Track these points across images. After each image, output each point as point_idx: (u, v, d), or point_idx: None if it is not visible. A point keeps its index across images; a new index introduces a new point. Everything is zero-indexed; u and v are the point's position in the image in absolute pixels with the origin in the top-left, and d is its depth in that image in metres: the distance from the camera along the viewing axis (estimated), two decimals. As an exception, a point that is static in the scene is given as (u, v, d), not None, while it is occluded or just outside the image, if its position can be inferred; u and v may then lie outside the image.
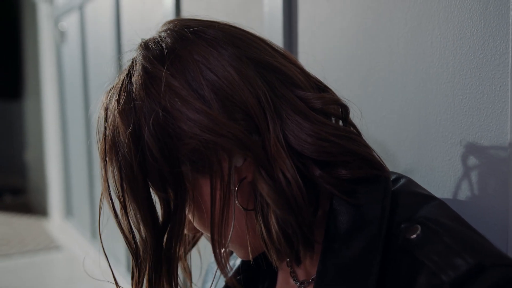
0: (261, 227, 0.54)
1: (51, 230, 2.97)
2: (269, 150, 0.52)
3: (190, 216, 0.58)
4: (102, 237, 0.62)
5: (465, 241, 0.48)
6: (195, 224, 0.59)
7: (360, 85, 0.78)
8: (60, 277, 2.45)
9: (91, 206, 2.34)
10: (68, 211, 2.84)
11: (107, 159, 0.54)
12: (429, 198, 0.55)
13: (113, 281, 0.60)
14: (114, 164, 0.54)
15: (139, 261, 0.56)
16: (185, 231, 0.64)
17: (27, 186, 4.06)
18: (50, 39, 2.88)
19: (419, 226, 0.50)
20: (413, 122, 0.69)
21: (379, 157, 0.57)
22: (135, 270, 0.56)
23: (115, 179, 0.54)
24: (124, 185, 0.53)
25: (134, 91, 0.53)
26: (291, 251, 0.54)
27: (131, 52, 0.57)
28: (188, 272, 0.72)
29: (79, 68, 2.37)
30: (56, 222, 2.97)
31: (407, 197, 0.55)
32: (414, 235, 0.49)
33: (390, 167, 0.68)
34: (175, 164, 0.52)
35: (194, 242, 0.71)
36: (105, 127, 0.54)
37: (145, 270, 0.55)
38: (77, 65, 2.41)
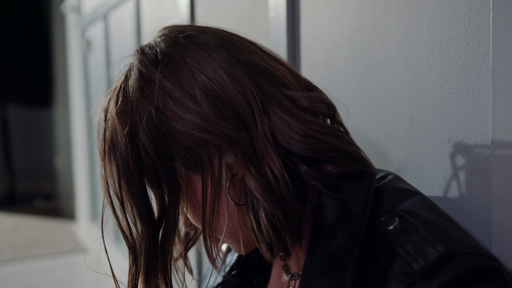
0: (251, 221, 0.57)
1: (78, 233, 3.05)
2: (257, 147, 0.55)
3: (186, 212, 0.61)
4: (104, 233, 0.65)
5: (439, 231, 0.50)
6: (191, 220, 0.62)
7: (358, 86, 0.80)
8: (85, 277, 2.52)
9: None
10: (94, 215, 2.92)
11: (106, 158, 0.58)
12: (412, 193, 0.57)
13: (118, 281, 0.63)
14: (113, 162, 0.57)
15: (135, 255, 0.59)
16: (184, 228, 0.68)
17: (57, 192, 4.18)
18: (78, 48, 2.98)
19: (396, 218, 0.52)
20: (405, 121, 0.71)
21: (364, 154, 0.59)
22: (132, 264, 0.59)
23: (113, 177, 0.58)
24: (122, 182, 0.57)
25: (130, 94, 0.56)
26: (279, 243, 0.56)
27: (129, 57, 0.60)
28: (189, 269, 0.75)
29: (104, 76, 2.45)
30: (83, 226, 3.05)
31: (391, 192, 0.57)
32: (392, 227, 0.51)
33: (384, 166, 0.70)
34: (169, 161, 0.55)
35: (195, 240, 0.74)
36: (105, 129, 0.58)
37: (141, 263, 0.58)
38: (102, 73, 2.48)
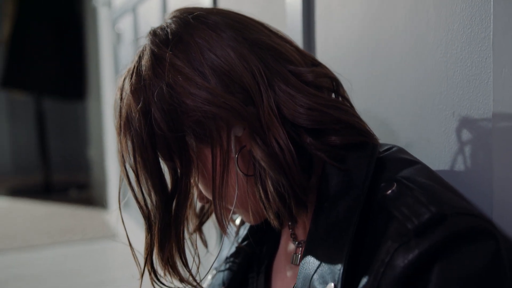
0: (259, 191, 0.60)
1: (110, 221, 3.15)
2: (263, 120, 0.58)
3: (198, 184, 0.65)
4: (133, 219, 0.69)
5: (435, 194, 0.52)
6: (203, 192, 0.66)
7: (367, 65, 0.82)
8: (115, 262, 2.60)
9: (145, 198, 2.48)
10: (125, 203, 3.00)
11: (122, 134, 0.62)
12: (413, 162, 0.59)
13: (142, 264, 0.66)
14: (128, 137, 0.61)
15: (150, 224, 0.63)
16: (198, 201, 0.71)
17: (90, 182, 4.30)
18: (109, 41, 3.06)
19: (395, 183, 0.54)
20: (412, 98, 0.72)
21: (368, 126, 0.62)
22: (147, 233, 0.63)
23: (129, 151, 0.62)
24: (137, 156, 0.60)
25: (143, 72, 0.60)
26: (285, 210, 0.59)
27: (143, 39, 0.64)
28: (204, 242, 0.79)
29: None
30: (114, 213, 3.15)
31: (393, 162, 0.59)
32: (390, 191, 0.54)
33: (392, 142, 0.72)
34: (180, 135, 0.59)
35: (209, 214, 0.78)
36: (120, 106, 0.62)
37: (156, 232, 0.62)
38: (131, 64, 2.55)
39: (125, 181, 0.64)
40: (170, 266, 0.64)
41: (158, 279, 0.65)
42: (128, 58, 2.62)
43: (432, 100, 0.69)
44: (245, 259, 0.76)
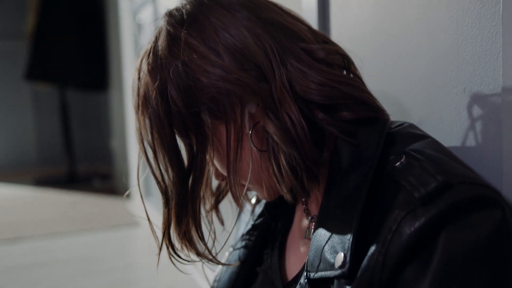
0: (272, 165, 0.62)
1: (132, 209, 3.21)
2: (276, 96, 0.60)
3: (213, 160, 0.67)
4: (155, 205, 0.71)
5: (442, 165, 0.53)
6: (219, 168, 0.68)
7: (381, 45, 0.83)
8: (137, 248, 2.66)
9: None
10: (147, 192, 3.05)
11: (140, 112, 0.64)
12: (422, 136, 0.60)
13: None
14: (146, 115, 0.64)
15: (167, 199, 0.65)
16: (214, 178, 0.73)
17: (114, 172, 4.38)
18: (130, 32, 3.10)
19: (404, 156, 0.55)
20: (424, 76, 0.73)
21: (379, 102, 0.63)
22: (164, 208, 0.66)
23: (146, 128, 0.64)
24: (154, 133, 0.63)
25: (159, 52, 0.62)
26: (297, 183, 0.61)
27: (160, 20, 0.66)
28: (220, 220, 0.81)
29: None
30: (137, 202, 3.20)
31: (403, 137, 0.60)
32: (398, 163, 0.55)
33: (405, 120, 0.73)
34: (196, 112, 0.61)
35: (225, 192, 0.80)
36: (138, 86, 0.65)
37: (172, 207, 0.64)
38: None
39: (143, 158, 0.67)
40: (187, 240, 0.66)
41: (175, 253, 0.67)
42: (148, 48, 2.66)
43: (443, 78, 0.70)
44: (260, 236, 0.78)
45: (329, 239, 0.57)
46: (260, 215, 0.79)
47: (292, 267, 0.71)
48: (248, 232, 0.80)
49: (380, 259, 0.51)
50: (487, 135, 0.64)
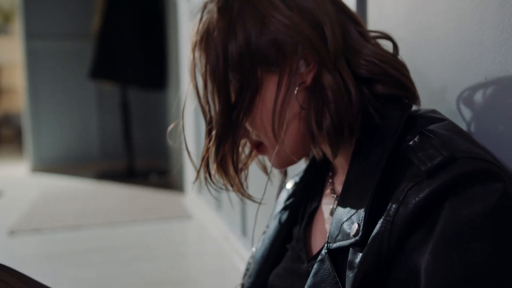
0: (312, 122, 0.66)
1: (185, 203, 3.32)
2: (332, 57, 0.65)
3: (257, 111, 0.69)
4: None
5: (450, 143, 0.56)
6: (257, 122, 0.70)
7: (412, 38, 0.86)
8: (190, 238, 2.77)
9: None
10: (199, 188, 3.16)
11: (197, 48, 0.69)
12: (440, 119, 0.63)
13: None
14: (203, 50, 0.68)
15: (211, 128, 0.69)
16: (247, 140, 0.76)
17: (170, 168, 4.53)
18: (187, 34, 3.21)
19: (417, 135, 0.59)
20: (451, 65, 0.76)
21: (413, 85, 0.68)
22: (206, 135, 0.70)
23: (201, 61, 0.69)
24: (208, 67, 0.67)
25: None
26: (334, 140, 0.66)
27: None
28: (247, 195, 0.84)
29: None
30: (190, 197, 3.32)
31: (423, 119, 0.64)
32: (412, 142, 0.59)
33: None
34: (254, 56, 0.66)
35: (247, 166, 0.83)
36: (199, 22, 0.69)
37: (214, 135, 0.69)
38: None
39: (193, 88, 0.71)
40: (222, 169, 0.70)
41: (211, 179, 0.72)
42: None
43: (468, 66, 0.73)
44: (290, 216, 0.83)
45: (348, 213, 0.62)
46: (290, 195, 0.85)
47: (318, 242, 0.76)
48: (280, 211, 0.85)
49: (388, 227, 0.55)
50: (508, 122, 0.66)
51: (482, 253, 0.50)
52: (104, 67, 4.28)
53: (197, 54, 0.69)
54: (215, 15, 0.67)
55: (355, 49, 0.66)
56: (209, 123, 0.70)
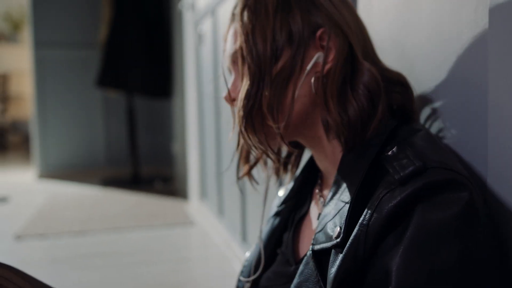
0: (331, 111, 0.71)
1: (189, 210, 3.38)
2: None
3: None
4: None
5: (423, 153, 0.61)
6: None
7: (400, 36, 0.92)
8: (193, 244, 2.82)
9: (219, 191, 2.67)
10: (203, 194, 3.21)
11: (245, 13, 0.74)
12: (418, 130, 0.68)
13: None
14: (251, 14, 0.73)
15: (253, 81, 0.71)
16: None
17: (174, 175, 4.59)
18: (192, 43, 3.28)
19: (395, 146, 0.64)
20: (432, 69, 0.82)
21: (414, 109, 0.74)
22: (250, 86, 0.72)
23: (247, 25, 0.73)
24: (257, 24, 0.72)
25: None
26: (343, 131, 0.71)
27: None
28: (255, 180, 0.87)
29: (212, 67, 2.70)
30: (193, 203, 3.37)
31: (404, 131, 0.69)
32: (390, 152, 0.64)
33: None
34: (307, 26, 0.72)
35: (257, 160, 0.86)
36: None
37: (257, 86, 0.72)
38: (210, 64, 2.74)
39: (245, 42, 0.73)
40: (261, 116, 0.72)
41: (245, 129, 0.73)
42: (208, 58, 2.82)
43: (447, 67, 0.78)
44: (282, 221, 0.88)
45: (333, 217, 0.67)
46: (282, 202, 0.90)
47: (305, 246, 0.80)
48: (273, 217, 0.91)
49: (364, 230, 0.59)
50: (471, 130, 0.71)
51: (448, 255, 0.54)
52: (111, 75, 4.35)
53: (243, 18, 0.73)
54: None
55: (369, 70, 0.72)
56: (253, 74, 0.71)
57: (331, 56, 0.71)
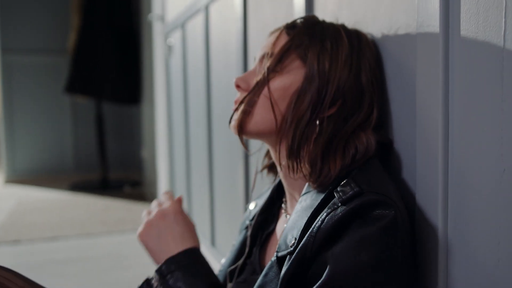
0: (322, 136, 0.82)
1: (158, 215, 3.46)
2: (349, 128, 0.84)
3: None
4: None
5: (363, 182, 0.75)
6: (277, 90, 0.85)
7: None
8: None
9: (188, 196, 2.77)
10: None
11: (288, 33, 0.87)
12: (367, 162, 0.81)
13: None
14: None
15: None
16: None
17: (143, 180, 4.65)
18: (161, 53, 3.38)
19: (345, 180, 0.78)
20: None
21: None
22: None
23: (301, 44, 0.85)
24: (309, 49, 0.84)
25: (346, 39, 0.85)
26: (310, 165, 0.82)
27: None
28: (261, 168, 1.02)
29: (181, 78, 2.81)
30: (163, 208, 3.46)
31: (361, 166, 0.83)
32: (339, 186, 0.77)
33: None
34: (354, 74, 0.84)
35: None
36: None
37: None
38: (180, 74, 2.85)
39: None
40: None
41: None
42: (177, 68, 2.93)
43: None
44: (252, 235, 0.99)
45: (292, 230, 0.81)
46: (252, 218, 1.03)
47: (271, 256, 0.94)
48: (245, 229, 1.04)
49: (311, 240, 0.73)
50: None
51: (368, 257, 0.69)
52: (80, 82, 4.40)
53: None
54: (344, 39, 0.85)
55: (359, 137, 0.83)
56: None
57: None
